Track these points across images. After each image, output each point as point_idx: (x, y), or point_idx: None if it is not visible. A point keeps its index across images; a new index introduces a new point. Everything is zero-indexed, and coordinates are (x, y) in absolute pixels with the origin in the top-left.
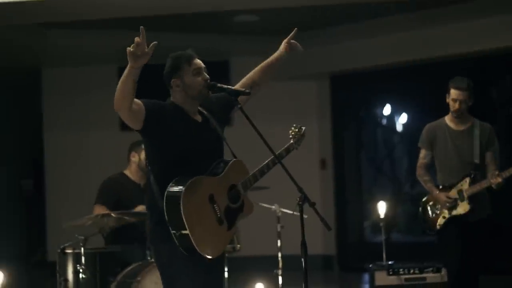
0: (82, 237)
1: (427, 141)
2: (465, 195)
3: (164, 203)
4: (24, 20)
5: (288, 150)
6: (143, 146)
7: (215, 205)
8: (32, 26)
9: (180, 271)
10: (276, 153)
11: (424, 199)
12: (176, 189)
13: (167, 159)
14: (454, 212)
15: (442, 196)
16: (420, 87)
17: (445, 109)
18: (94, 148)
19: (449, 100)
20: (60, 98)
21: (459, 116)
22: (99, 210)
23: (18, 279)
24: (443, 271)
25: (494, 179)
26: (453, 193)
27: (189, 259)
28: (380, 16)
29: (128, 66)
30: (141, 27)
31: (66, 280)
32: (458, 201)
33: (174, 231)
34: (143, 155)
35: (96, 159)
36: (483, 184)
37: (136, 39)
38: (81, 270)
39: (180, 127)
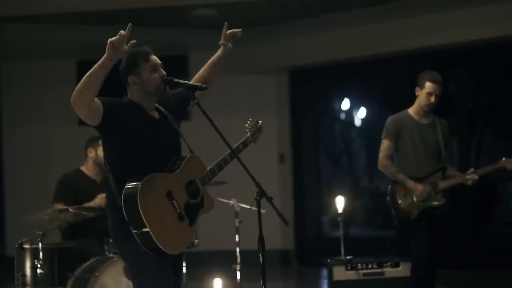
0: (40, 232)
1: (393, 133)
2: (439, 188)
3: (122, 202)
4: None
5: (245, 144)
6: (100, 142)
7: (174, 201)
8: None
9: (145, 268)
10: (233, 147)
11: (391, 189)
12: (132, 187)
13: (125, 156)
14: (428, 204)
15: (419, 186)
16: (379, 81)
17: (403, 103)
18: (52, 143)
19: (421, 93)
20: (19, 92)
21: (430, 110)
22: (58, 207)
23: None
24: (402, 266)
25: (471, 176)
26: (425, 185)
27: (152, 257)
28: (339, 10)
29: (104, 57)
30: (130, 24)
31: (24, 275)
32: (433, 193)
33: (135, 231)
34: (100, 150)
35: (55, 154)
36: (458, 179)
37: (121, 32)
38: (39, 265)
39: (138, 124)
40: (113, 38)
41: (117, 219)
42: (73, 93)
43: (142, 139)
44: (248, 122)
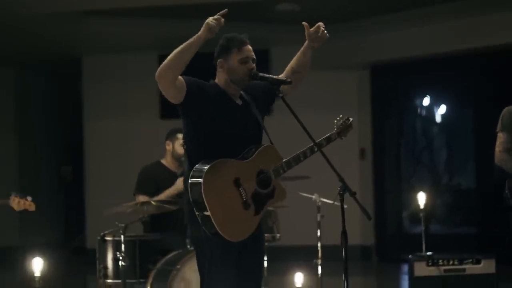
0: (123, 225)
1: (509, 125)
2: None
3: (189, 184)
4: (65, 7)
5: (329, 139)
6: (178, 135)
7: (240, 189)
8: (73, 14)
9: (212, 251)
10: (316, 142)
11: (509, 183)
12: (199, 169)
13: (202, 138)
14: None
15: None
16: (460, 78)
17: (484, 100)
18: (133, 135)
19: None
20: (100, 85)
21: None
22: (141, 199)
23: (57, 266)
24: (483, 263)
25: None
26: None
27: (219, 241)
28: (421, 5)
29: (196, 36)
30: (226, 9)
31: (105, 267)
32: None
33: (197, 212)
34: (177, 144)
35: (136, 147)
36: None
37: (220, 13)
38: (121, 258)
39: (218, 108)
40: (212, 20)
41: (188, 200)
42: (159, 69)
43: (221, 123)
44: (338, 118)
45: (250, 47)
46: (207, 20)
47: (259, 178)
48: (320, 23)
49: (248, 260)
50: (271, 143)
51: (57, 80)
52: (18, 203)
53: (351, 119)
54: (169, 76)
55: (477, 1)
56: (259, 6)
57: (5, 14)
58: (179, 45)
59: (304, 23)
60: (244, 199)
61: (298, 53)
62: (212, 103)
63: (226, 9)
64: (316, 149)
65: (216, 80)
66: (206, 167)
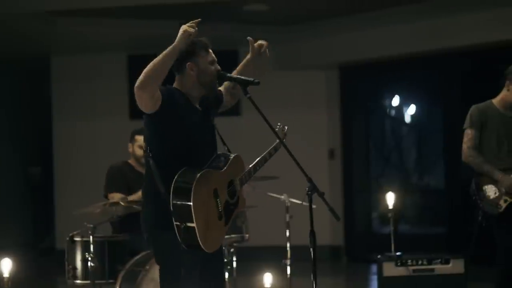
0: (91, 225)
1: (479, 122)
2: None
3: (172, 194)
4: (33, 7)
5: (275, 149)
6: (136, 137)
7: (218, 200)
8: (42, 14)
9: (179, 262)
10: (265, 152)
11: (475, 181)
12: (185, 180)
13: (172, 146)
14: None
15: (509, 178)
16: (429, 78)
17: (453, 100)
18: (103, 136)
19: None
20: (69, 85)
21: None
22: (116, 197)
23: (26, 267)
24: (452, 262)
25: None
26: None
27: (187, 251)
28: (389, 6)
29: (174, 46)
30: (199, 19)
31: (74, 268)
32: None
33: (177, 223)
34: (135, 146)
35: (105, 147)
36: None
37: (195, 22)
38: (90, 258)
39: (186, 115)
40: (189, 28)
41: (159, 207)
42: (139, 81)
43: (188, 130)
44: (278, 125)
45: (211, 50)
46: (185, 28)
47: (229, 189)
48: (265, 42)
49: (212, 267)
50: (228, 149)
51: (25, 80)
52: None
53: (286, 127)
54: (149, 89)
55: (445, 2)
56: (227, 6)
57: None
58: (148, 46)
59: (249, 38)
60: (220, 210)
61: (240, 66)
62: (180, 110)
63: (199, 19)
64: (276, 149)
65: (176, 85)
66: (192, 179)
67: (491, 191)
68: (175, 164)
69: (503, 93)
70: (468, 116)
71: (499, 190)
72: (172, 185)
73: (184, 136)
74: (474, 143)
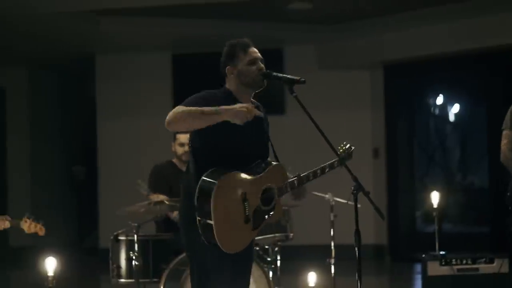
0: (136, 224)
1: None
2: None
3: (197, 190)
4: (77, 7)
5: (332, 166)
6: (176, 136)
7: (245, 203)
8: (86, 13)
9: (206, 258)
10: (320, 166)
11: None
12: (210, 179)
13: (213, 146)
14: None
15: None
16: (474, 77)
17: (497, 99)
18: (146, 135)
19: None
20: (114, 85)
21: None
22: (154, 198)
23: (70, 266)
24: (496, 262)
25: None
26: None
27: (214, 248)
28: (434, 4)
29: (222, 115)
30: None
31: (119, 267)
32: None
33: (199, 218)
34: (176, 144)
35: (149, 147)
36: None
37: (258, 113)
38: (134, 257)
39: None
40: (246, 114)
41: (188, 205)
42: (171, 117)
43: (233, 132)
44: (341, 145)
45: (254, 48)
46: (242, 107)
47: (263, 196)
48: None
49: (239, 268)
50: (277, 159)
51: (70, 80)
52: (29, 226)
53: (353, 147)
54: (177, 130)
55: (489, 0)
56: (272, 5)
57: (18, 14)
58: (192, 45)
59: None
60: (247, 214)
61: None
62: None
63: (261, 113)
64: (332, 167)
65: (227, 86)
66: (220, 177)
67: None
68: (213, 163)
69: None
70: (506, 117)
71: None
72: (199, 182)
73: (225, 136)
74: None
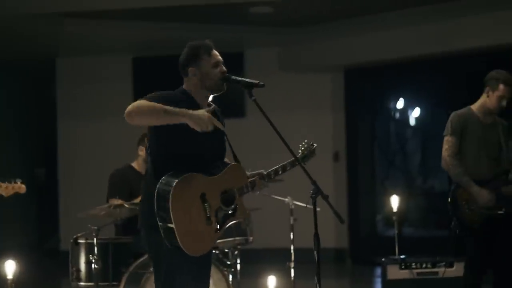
0: (96, 227)
1: (459, 129)
2: (504, 194)
3: (155, 194)
4: (40, 8)
5: (293, 164)
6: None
7: (205, 204)
8: (49, 15)
9: (169, 261)
10: (280, 165)
11: (453, 192)
12: (168, 181)
13: (170, 150)
14: (492, 212)
15: (485, 194)
16: (434, 81)
17: (458, 103)
18: (107, 138)
19: (492, 95)
20: (74, 87)
21: (497, 113)
22: (114, 202)
23: (30, 268)
24: (456, 266)
25: None
26: (491, 192)
27: (176, 251)
28: (395, 9)
29: (183, 117)
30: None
31: (78, 270)
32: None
33: (160, 223)
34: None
35: (109, 149)
36: None
37: (218, 124)
38: (93, 260)
39: None
40: (208, 123)
41: (149, 206)
42: (128, 110)
43: (190, 135)
44: (303, 143)
45: (216, 51)
46: (204, 116)
47: (223, 196)
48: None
49: (200, 270)
50: (236, 159)
51: (31, 81)
52: (6, 188)
53: (315, 145)
54: (135, 122)
55: (450, 4)
56: (233, 8)
57: None
58: (153, 48)
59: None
60: (208, 215)
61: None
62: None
63: (222, 125)
64: (288, 168)
65: (185, 87)
66: (176, 180)
67: (466, 207)
68: (171, 166)
69: (483, 100)
70: (448, 123)
71: (475, 204)
72: (157, 186)
73: (185, 140)
74: (454, 150)
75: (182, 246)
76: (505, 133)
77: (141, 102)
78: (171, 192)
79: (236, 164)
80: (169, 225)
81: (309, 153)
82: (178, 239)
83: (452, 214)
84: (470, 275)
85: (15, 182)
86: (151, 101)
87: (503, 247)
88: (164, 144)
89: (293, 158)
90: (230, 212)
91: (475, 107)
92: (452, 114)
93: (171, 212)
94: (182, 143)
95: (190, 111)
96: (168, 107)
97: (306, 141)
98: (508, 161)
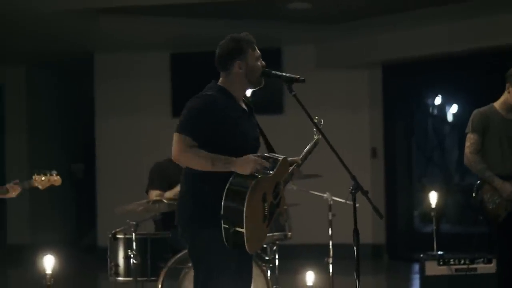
0: (134, 223)
1: (481, 127)
2: None
3: (224, 197)
4: (76, 5)
5: (315, 144)
6: None
7: (265, 204)
8: (86, 11)
9: (218, 259)
10: (306, 150)
11: (478, 187)
12: (239, 186)
13: (215, 145)
14: None
15: (508, 186)
16: (472, 78)
17: (496, 99)
18: (145, 133)
19: None
20: (112, 83)
21: None
22: (154, 194)
23: (68, 264)
24: (494, 262)
25: None
26: None
27: (225, 247)
28: (433, 5)
29: (234, 167)
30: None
31: (117, 265)
32: None
33: (226, 226)
34: None
35: (147, 145)
36: None
37: (268, 165)
38: (132, 256)
39: (232, 117)
40: (258, 167)
41: (199, 203)
42: (183, 157)
43: (233, 130)
44: (316, 118)
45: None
46: (255, 161)
47: (275, 192)
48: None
49: (243, 266)
50: (272, 148)
51: (68, 78)
52: (41, 181)
53: (322, 120)
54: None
55: (489, 1)
56: (271, 4)
57: (17, 11)
58: (190, 44)
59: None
60: (266, 213)
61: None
62: (225, 114)
63: (271, 168)
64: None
65: (221, 82)
66: (246, 185)
67: (490, 201)
68: None
69: (505, 96)
70: (470, 121)
71: (500, 198)
72: (226, 188)
73: (229, 136)
74: (476, 148)
75: (248, 248)
76: None
77: (184, 149)
78: (246, 197)
79: (285, 157)
80: (238, 229)
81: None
82: (245, 241)
83: (477, 210)
84: (503, 270)
85: (51, 175)
86: (189, 130)
87: None
88: (209, 141)
89: (313, 141)
90: (276, 205)
91: (497, 104)
92: (474, 112)
93: (244, 218)
94: (226, 138)
95: (239, 161)
96: (215, 158)
97: (316, 117)
98: None
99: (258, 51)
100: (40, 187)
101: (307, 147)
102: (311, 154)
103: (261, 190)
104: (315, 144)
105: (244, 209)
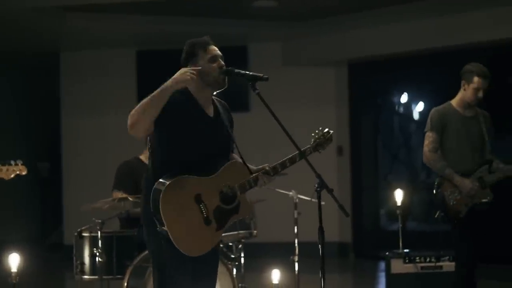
0: (99, 221)
1: (439, 125)
2: (487, 183)
3: (151, 197)
4: (43, 2)
5: (300, 157)
6: None
7: (201, 205)
8: (51, 9)
9: (169, 257)
10: (290, 156)
11: (438, 184)
12: (160, 184)
13: (170, 149)
14: (476, 201)
15: (467, 183)
16: (438, 75)
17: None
18: (111, 131)
19: (468, 87)
20: (78, 81)
21: (476, 105)
22: (117, 195)
23: (33, 262)
24: None
25: None
26: (473, 181)
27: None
28: (399, 3)
29: (166, 85)
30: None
31: (82, 263)
32: (480, 189)
33: (158, 226)
34: None
35: (113, 143)
36: (507, 172)
37: (197, 69)
38: (97, 254)
39: (190, 121)
40: (188, 75)
41: (148, 203)
42: (128, 123)
43: (191, 137)
44: (317, 131)
45: (214, 46)
46: (183, 72)
47: (222, 194)
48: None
49: (202, 267)
50: (241, 157)
51: (34, 75)
52: (6, 171)
53: (331, 131)
54: (141, 129)
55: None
56: (237, 2)
57: None
58: (156, 41)
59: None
60: (205, 216)
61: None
62: (183, 117)
63: (200, 68)
64: (297, 160)
65: (189, 88)
66: (165, 182)
67: (451, 198)
68: (169, 163)
69: (461, 94)
70: (428, 119)
71: (460, 194)
72: (152, 191)
73: (185, 141)
74: (435, 146)
75: (178, 248)
76: (487, 124)
77: (132, 112)
78: (161, 196)
79: (234, 161)
80: (163, 228)
81: (325, 141)
82: (172, 240)
83: (437, 207)
84: (460, 269)
85: (16, 164)
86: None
87: (482, 235)
88: (165, 145)
89: (301, 150)
90: (232, 210)
91: (454, 101)
92: (432, 110)
93: (162, 216)
94: (177, 143)
95: (169, 81)
96: (154, 93)
97: (320, 128)
98: (490, 151)
99: (213, 51)
100: (5, 177)
101: (289, 156)
102: (293, 164)
103: (190, 190)
104: (301, 156)
105: (160, 208)
